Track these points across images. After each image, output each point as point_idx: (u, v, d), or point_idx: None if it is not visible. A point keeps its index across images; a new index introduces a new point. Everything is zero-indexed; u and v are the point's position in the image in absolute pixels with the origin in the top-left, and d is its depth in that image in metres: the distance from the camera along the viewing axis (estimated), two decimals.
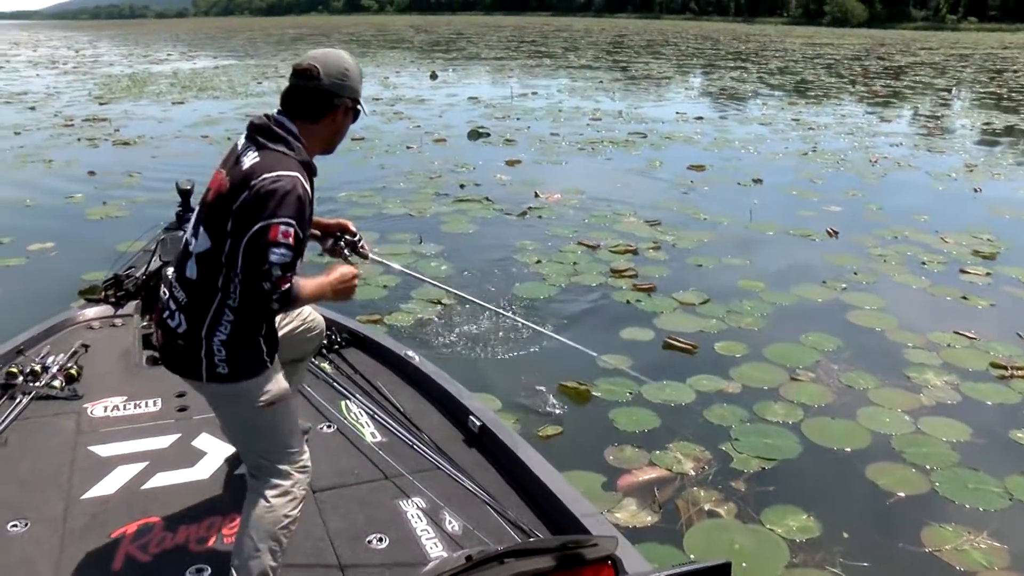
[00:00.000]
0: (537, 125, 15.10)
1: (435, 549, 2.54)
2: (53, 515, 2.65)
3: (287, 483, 2.25)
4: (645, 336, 5.38)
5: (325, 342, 3.68)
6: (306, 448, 2.34)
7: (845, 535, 3.38)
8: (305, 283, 2.15)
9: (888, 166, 11.50)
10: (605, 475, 3.76)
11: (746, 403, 4.46)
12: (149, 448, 3.06)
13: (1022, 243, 7.72)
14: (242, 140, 2.19)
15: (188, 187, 4.31)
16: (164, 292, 2.25)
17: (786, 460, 3.94)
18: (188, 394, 3.36)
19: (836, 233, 7.90)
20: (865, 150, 12.71)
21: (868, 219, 8.54)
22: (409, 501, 2.77)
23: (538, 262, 6.88)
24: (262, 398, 2.21)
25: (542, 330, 4.00)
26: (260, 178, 2.05)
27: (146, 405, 3.38)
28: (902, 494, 3.68)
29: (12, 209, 8.78)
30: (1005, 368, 4.93)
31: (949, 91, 23.30)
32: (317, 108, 2.19)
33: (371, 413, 3.33)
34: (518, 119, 15.86)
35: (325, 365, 3.72)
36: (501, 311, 3.81)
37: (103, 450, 3.04)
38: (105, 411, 3.32)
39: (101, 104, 18.58)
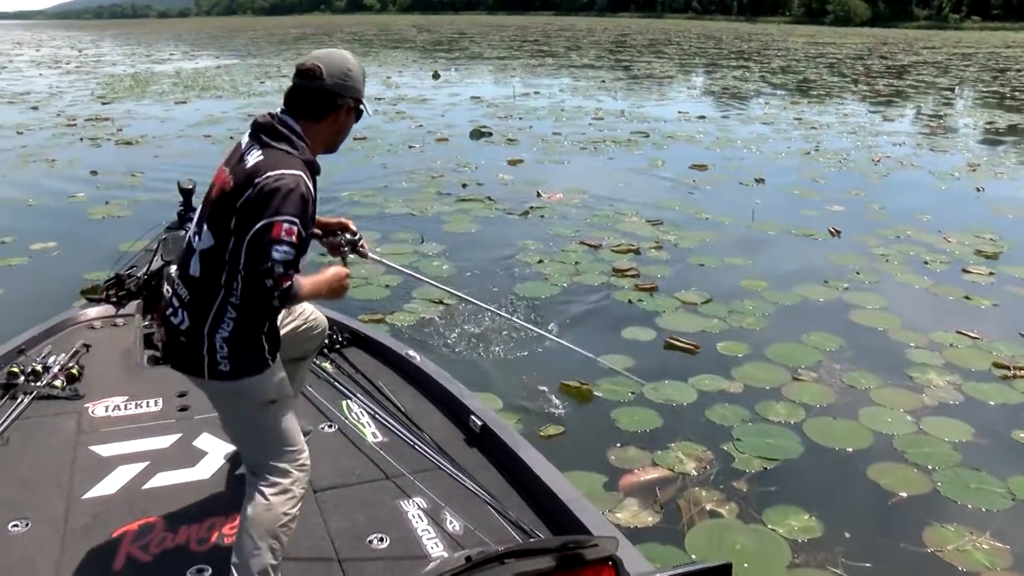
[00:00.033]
0: (539, 124, 15.10)
1: (436, 549, 2.54)
2: (54, 515, 2.65)
3: (286, 481, 2.26)
4: (647, 336, 5.38)
5: (326, 342, 3.68)
6: (305, 447, 2.35)
7: (847, 535, 3.37)
8: (304, 281, 2.17)
9: (891, 165, 11.48)
10: (607, 475, 3.76)
11: (748, 403, 4.46)
12: (150, 448, 3.06)
13: None
14: (246, 138, 2.21)
15: (190, 187, 4.32)
16: (167, 290, 2.26)
17: (788, 460, 3.93)
18: (189, 394, 3.37)
19: (838, 233, 7.89)
20: (868, 149, 12.69)
21: (870, 218, 8.52)
22: (410, 501, 2.77)
23: (540, 262, 6.88)
24: (263, 396, 2.22)
25: (540, 331, 4.00)
26: (264, 176, 2.07)
27: (147, 405, 3.38)
28: (904, 494, 3.68)
29: (15, 209, 8.80)
30: (1008, 368, 4.91)
31: (952, 90, 23.27)
32: (320, 108, 2.21)
33: (372, 413, 3.33)
34: (520, 118, 15.86)
35: (326, 365, 3.73)
36: (498, 311, 3.79)
37: (104, 450, 3.04)
38: (106, 411, 3.33)
39: (104, 104, 18.61)
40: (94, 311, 4.28)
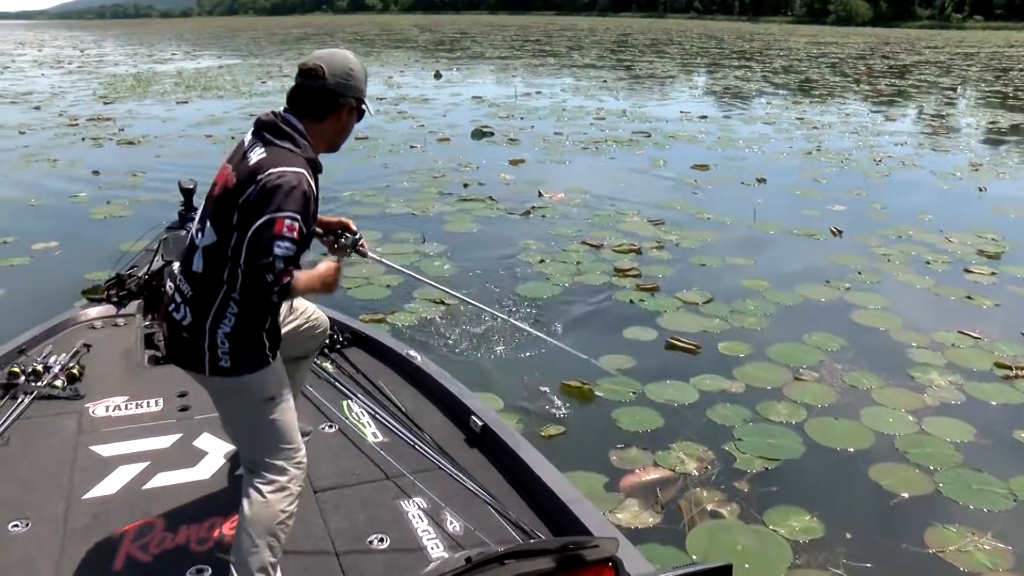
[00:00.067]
0: (541, 124, 15.10)
1: (436, 549, 2.54)
2: (54, 515, 2.65)
3: (283, 479, 2.26)
4: (648, 336, 5.37)
5: (327, 341, 3.68)
6: (303, 445, 2.36)
7: (848, 536, 3.36)
8: (300, 275, 2.19)
9: (892, 165, 11.46)
10: (607, 475, 3.75)
11: (749, 403, 4.45)
12: (150, 448, 3.06)
13: None
14: (249, 136, 2.23)
15: (191, 186, 4.32)
16: (170, 286, 2.28)
17: (789, 460, 3.92)
18: (190, 394, 3.37)
19: (840, 232, 7.88)
20: (869, 149, 12.67)
21: (872, 218, 8.51)
22: (410, 501, 2.77)
23: (541, 261, 6.87)
24: (263, 393, 2.23)
25: (537, 332, 3.95)
26: (266, 173, 2.09)
27: (148, 405, 3.38)
28: (906, 495, 3.67)
29: (16, 208, 8.81)
30: (1010, 368, 4.91)
31: (954, 90, 23.24)
32: (322, 107, 2.23)
33: (373, 413, 3.32)
34: (522, 118, 15.85)
35: (327, 364, 3.73)
36: (496, 311, 3.77)
37: (104, 450, 3.04)
38: (107, 411, 3.33)
39: (105, 104, 18.63)
40: (95, 311, 4.28)
